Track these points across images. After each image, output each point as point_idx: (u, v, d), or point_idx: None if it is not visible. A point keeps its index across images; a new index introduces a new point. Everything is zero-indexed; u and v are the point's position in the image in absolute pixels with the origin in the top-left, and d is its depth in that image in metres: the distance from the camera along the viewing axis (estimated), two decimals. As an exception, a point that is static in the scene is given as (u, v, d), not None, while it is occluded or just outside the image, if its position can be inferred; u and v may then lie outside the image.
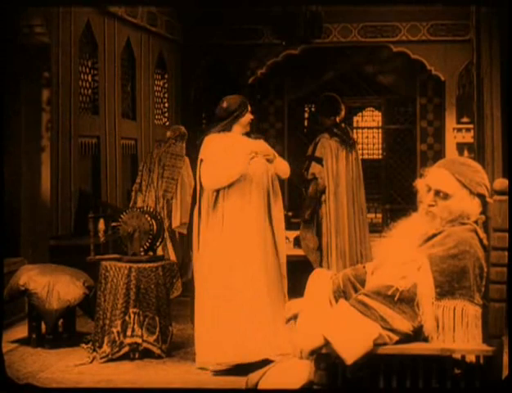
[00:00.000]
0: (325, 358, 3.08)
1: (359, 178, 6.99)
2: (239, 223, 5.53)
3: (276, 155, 5.64)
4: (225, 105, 5.65)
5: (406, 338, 3.09)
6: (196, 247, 5.64)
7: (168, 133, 8.56)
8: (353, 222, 6.86)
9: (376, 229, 10.78)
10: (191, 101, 12.57)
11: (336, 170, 6.82)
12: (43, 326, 6.22)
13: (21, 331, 6.47)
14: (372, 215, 12.87)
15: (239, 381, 4.64)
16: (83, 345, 6.07)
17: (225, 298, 5.48)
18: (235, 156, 5.53)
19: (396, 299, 3.08)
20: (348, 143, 6.88)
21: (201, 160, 5.57)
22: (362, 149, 13.56)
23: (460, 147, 12.10)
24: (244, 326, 5.44)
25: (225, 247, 5.50)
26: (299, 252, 7.77)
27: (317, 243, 6.85)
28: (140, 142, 10.83)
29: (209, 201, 5.58)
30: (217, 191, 5.54)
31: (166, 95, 11.95)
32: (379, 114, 13.78)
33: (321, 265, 6.74)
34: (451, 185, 3.24)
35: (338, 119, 6.92)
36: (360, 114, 13.97)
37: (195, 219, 5.67)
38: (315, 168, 6.82)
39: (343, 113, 6.99)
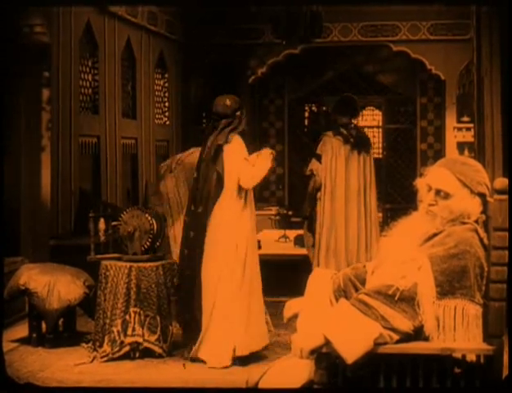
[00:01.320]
0: (325, 357, 3.08)
1: (369, 180, 6.96)
2: (242, 224, 5.71)
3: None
4: (228, 102, 5.72)
5: (406, 337, 3.09)
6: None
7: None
8: (357, 223, 6.82)
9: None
10: (192, 100, 12.57)
11: (334, 169, 6.80)
12: (44, 325, 6.22)
13: (21, 330, 6.47)
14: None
15: (239, 381, 4.64)
16: (84, 344, 6.07)
17: (231, 295, 5.61)
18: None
19: (396, 298, 3.08)
20: (354, 144, 6.84)
21: (244, 159, 5.67)
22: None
23: (461, 147, 12.07)
24: (242, 319, 5.62)
25: (231, 246, 5.64)
26: (299, 251, 7.78)
27: (312, 240, 6.86)
28: (140, 142, 10.82)
29: (233, 199, 5.67)
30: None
31: (166, 94, 11.94)
32: (380, 113, 13.76)
33: (312, 263, 6.75)
34: (451, 184, 3.24)
35: (352, 120, 6.93)
36: (360, 113, 13.96)
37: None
38: (313, 164, 6.84)
39: (357, 116, 7.08)
